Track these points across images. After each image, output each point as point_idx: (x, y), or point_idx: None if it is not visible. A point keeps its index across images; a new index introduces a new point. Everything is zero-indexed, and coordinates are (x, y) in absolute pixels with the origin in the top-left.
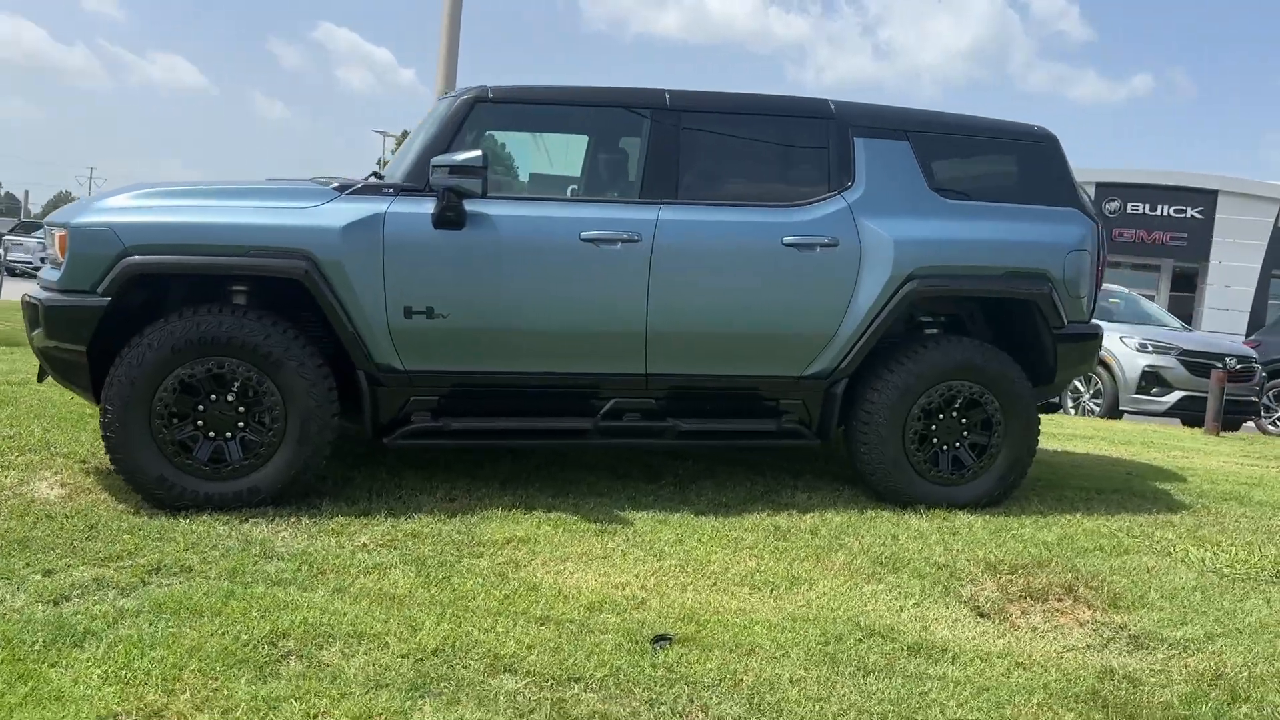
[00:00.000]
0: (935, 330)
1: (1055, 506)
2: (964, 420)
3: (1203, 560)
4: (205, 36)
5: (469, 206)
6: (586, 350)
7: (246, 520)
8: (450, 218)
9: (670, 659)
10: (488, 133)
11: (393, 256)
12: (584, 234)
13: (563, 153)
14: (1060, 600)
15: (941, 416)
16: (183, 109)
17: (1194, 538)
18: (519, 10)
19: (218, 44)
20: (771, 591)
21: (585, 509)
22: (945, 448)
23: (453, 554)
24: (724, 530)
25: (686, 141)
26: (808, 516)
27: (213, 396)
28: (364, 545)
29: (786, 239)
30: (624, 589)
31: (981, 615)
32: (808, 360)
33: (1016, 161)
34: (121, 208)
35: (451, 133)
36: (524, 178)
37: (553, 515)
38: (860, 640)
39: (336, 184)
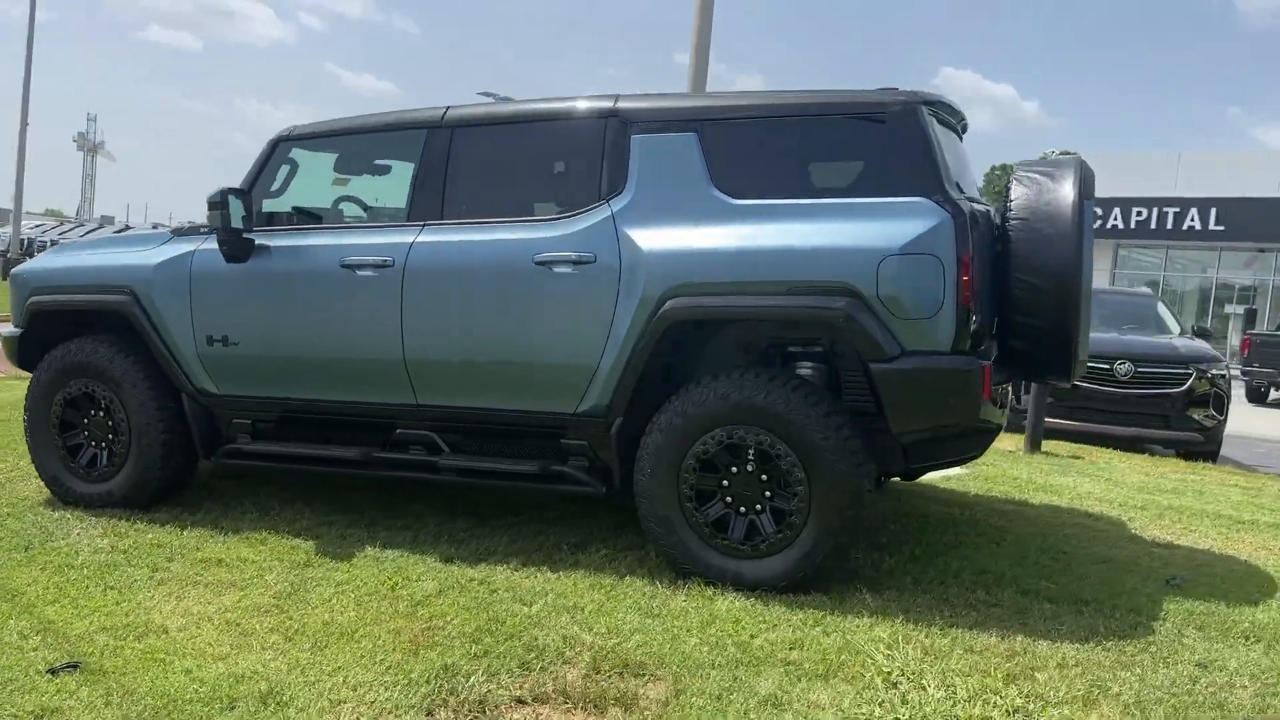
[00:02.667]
0: (811, 363)
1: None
2: (764, 477)
3: None
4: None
5: (260, 240)
6: (359, 379)
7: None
8: (227, 252)
9: None
10: (296, 168)
11: (196, 290)
12: (343, 261)
13: (372, 180)
14: None
15: (735, 470)
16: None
17: None
18: (1161, 10)
19: None
20: None
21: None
22: (742, 510)
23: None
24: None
25: (455, 159)
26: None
27: (92, 411)
28: (98, 545)
29: (538, 257)
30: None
31: None
32: (577, 395)
33: (854, 143)
34: (38, 259)
35: (256, 172)
36: (340, 207)
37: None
38: None
39: (176, 227)
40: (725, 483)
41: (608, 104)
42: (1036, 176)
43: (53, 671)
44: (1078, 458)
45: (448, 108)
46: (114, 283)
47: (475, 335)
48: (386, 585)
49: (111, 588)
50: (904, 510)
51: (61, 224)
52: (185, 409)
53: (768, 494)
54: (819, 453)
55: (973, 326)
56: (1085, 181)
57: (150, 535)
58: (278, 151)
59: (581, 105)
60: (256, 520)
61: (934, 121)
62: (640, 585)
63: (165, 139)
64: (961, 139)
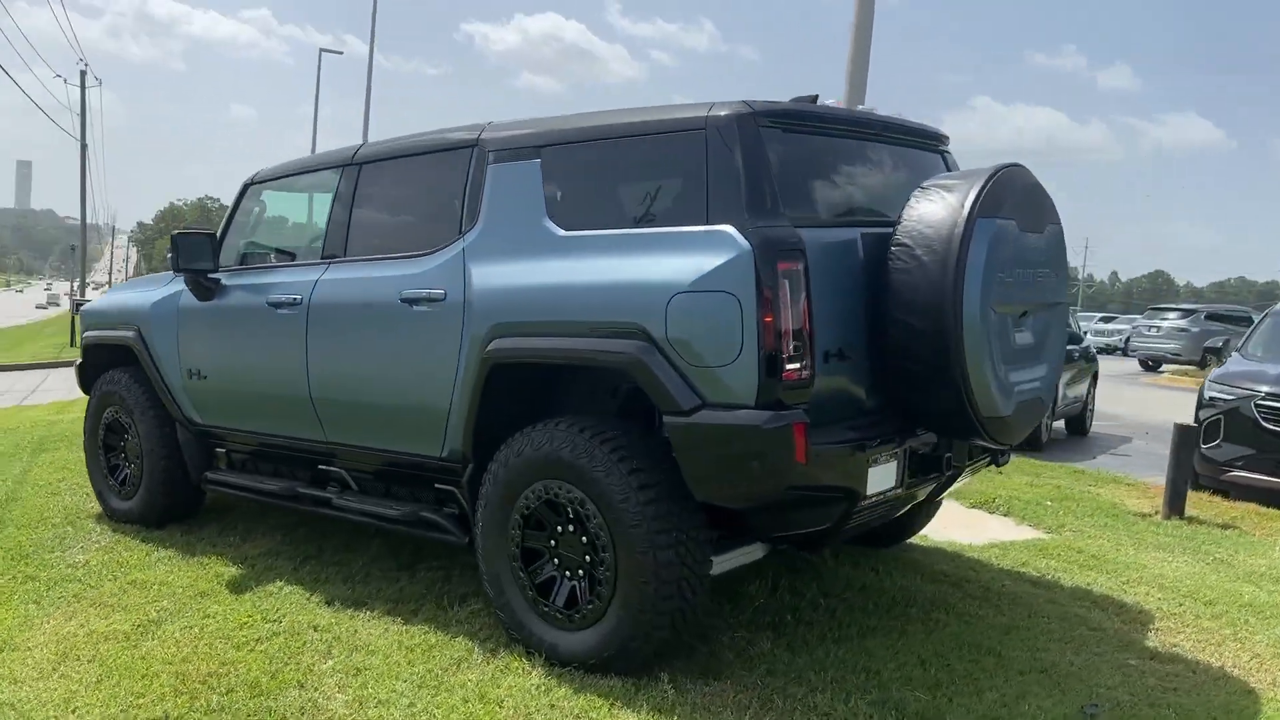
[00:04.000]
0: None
1: None
2: (584, 539)
3: None
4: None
5: (223, 279)
6: (283, 414)
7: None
8: (194, 291)
9: None
10: (264, 208)
11: (181, 326)
12: (269, 299)
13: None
14: None
15: (560, 529)
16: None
17: None
18: None
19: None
20: None
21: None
22: (568, 574)
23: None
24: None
25: (361, 195)
26: None
27: (124, 435)
28: (77, 561)
29: (403, 294)
30: None
31: None
32: (438, 439)
33: (676, 165)
34: (97, 299)
35: (231, 213)
36: (290, 246)
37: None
38: None
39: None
40: (552, 542)
41: (473, 134)
42: (934, 191)
43: None
44: (1227, 527)
45: (360, 146)
46: (127, 320)
47: (358, 371)
48: (239, 623)
49: (28, 601)
50: (866, 581)
51: None
52: (179, 437)
53: (587, 558)
54: (620, 515)
55: (795, 376)
56: (992, 196)
57: (128, 553)
58: (249, 193)
59: (453, 136)
60: (222, 545)
61: (779, 136)
62: (461, 649)
63: None
64: (928, 149)
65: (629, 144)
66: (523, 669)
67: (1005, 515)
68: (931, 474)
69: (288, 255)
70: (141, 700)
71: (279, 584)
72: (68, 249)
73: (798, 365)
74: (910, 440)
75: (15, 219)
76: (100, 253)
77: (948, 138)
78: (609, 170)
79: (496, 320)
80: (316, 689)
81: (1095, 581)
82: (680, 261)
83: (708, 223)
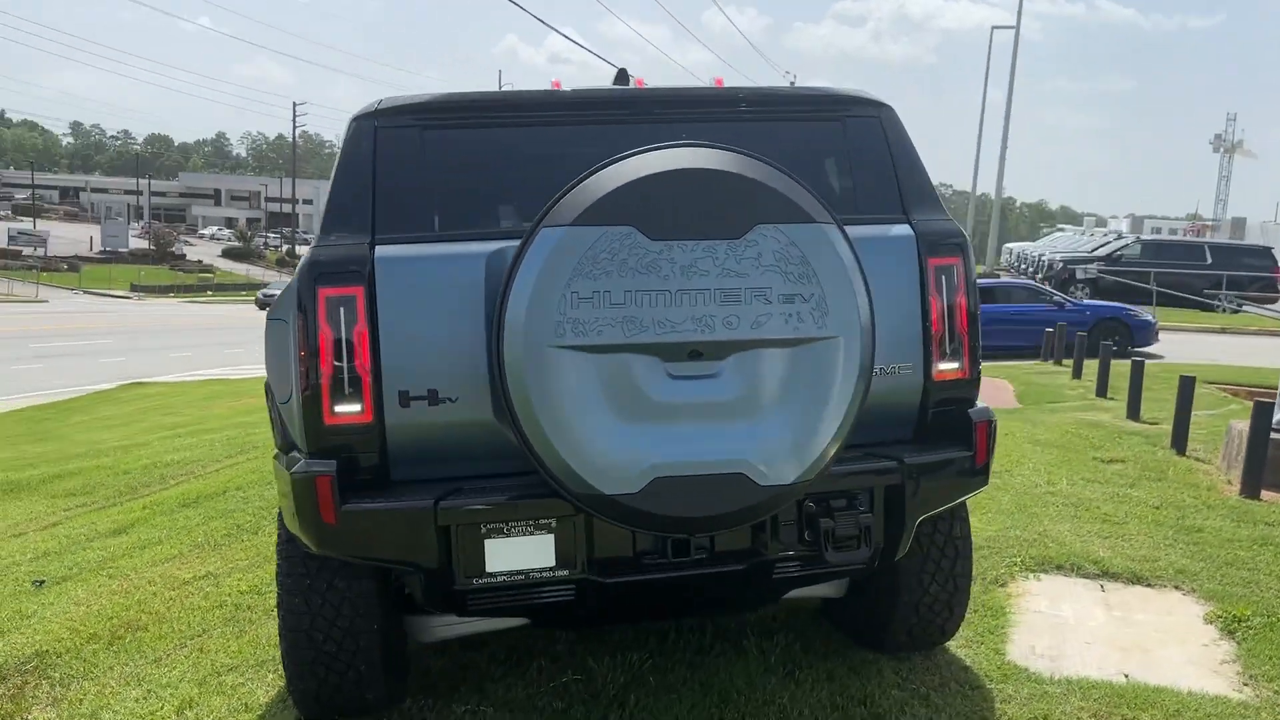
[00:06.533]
0: None
1: None
2: None
3: None
4: None
5: None
6: None
7: None
8: None
9: None
10: None
11: None
12: None
13: None
14: None
15: None
16: None
17: None
18: None
19: None
20: None
21: None
22: None
23: None
24: None
25: None
26: None
27: None
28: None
29: None
30: None
31: None
32: None
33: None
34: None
35: None
36: None
37: None
38: None
39: None
40: None
41: None
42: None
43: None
44: None
45: None
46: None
47: None
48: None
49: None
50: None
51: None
52: None
53: None
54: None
55: (344, 420)
56: (579, 197)
57: None
58: None
59: None
60: None
61: (412, 137)
62: None
63: None
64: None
65: None
66: None
67: (1183, 591)
68: (681, 557)
69: None
70: None
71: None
72: None
73: (349, 408)
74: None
75: None
76: None
77: (840, 98)
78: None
79: None
80: None
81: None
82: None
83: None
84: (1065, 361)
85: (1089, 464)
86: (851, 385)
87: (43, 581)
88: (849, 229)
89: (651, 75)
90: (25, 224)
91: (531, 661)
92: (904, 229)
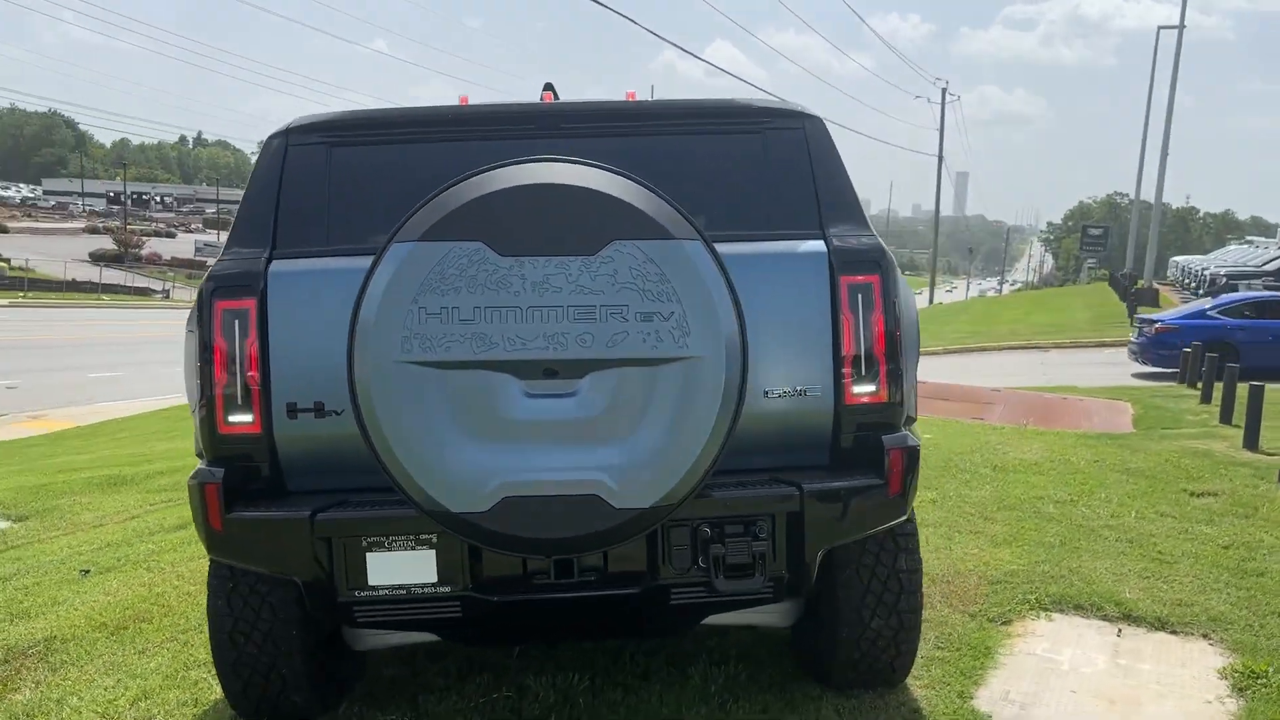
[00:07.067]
0: None
1: None
2: None
3: None
4: None
5: None
6: None
7: None
8: None
9: None
10: None
11: None
12: None
13: None
14: None
15: None
16: None
17: None
18: None
19: None
20: None
21: None
22: None
23: None
24: None
25: None
26: None
27: None
28: None
29: None
30: None
31: None
32: None
33: None
34: None
35: None
36: None
37: None
38: None
39: None
40: None
41: None
42: None
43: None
44: None
45: None
46: None
47: None
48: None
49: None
50: None
51: None
52: None
53: None
54: None
55: (235, 430)
56: (430, 212)
57: None
58: None
59: None
60: None
61: (322, 154)
62: None
63: None
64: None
65: None
66: None
67: (1210, 640)
68: (566, 578)
69: None
70: None
71: None
72: (990, 250)
73: (241, 418)
74: None
75: (951, 225)
76: (1022, 252)
77: (761, 110)
78: None
79: None
80: None
81: None
82: None
83: None
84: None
85: (1173, 496)
86: (716, 407)
87: (88, 571)
88: (758, 245)
89: (797, 89)
90: (211, 236)
91: (477, 676)
92: (816, 245)
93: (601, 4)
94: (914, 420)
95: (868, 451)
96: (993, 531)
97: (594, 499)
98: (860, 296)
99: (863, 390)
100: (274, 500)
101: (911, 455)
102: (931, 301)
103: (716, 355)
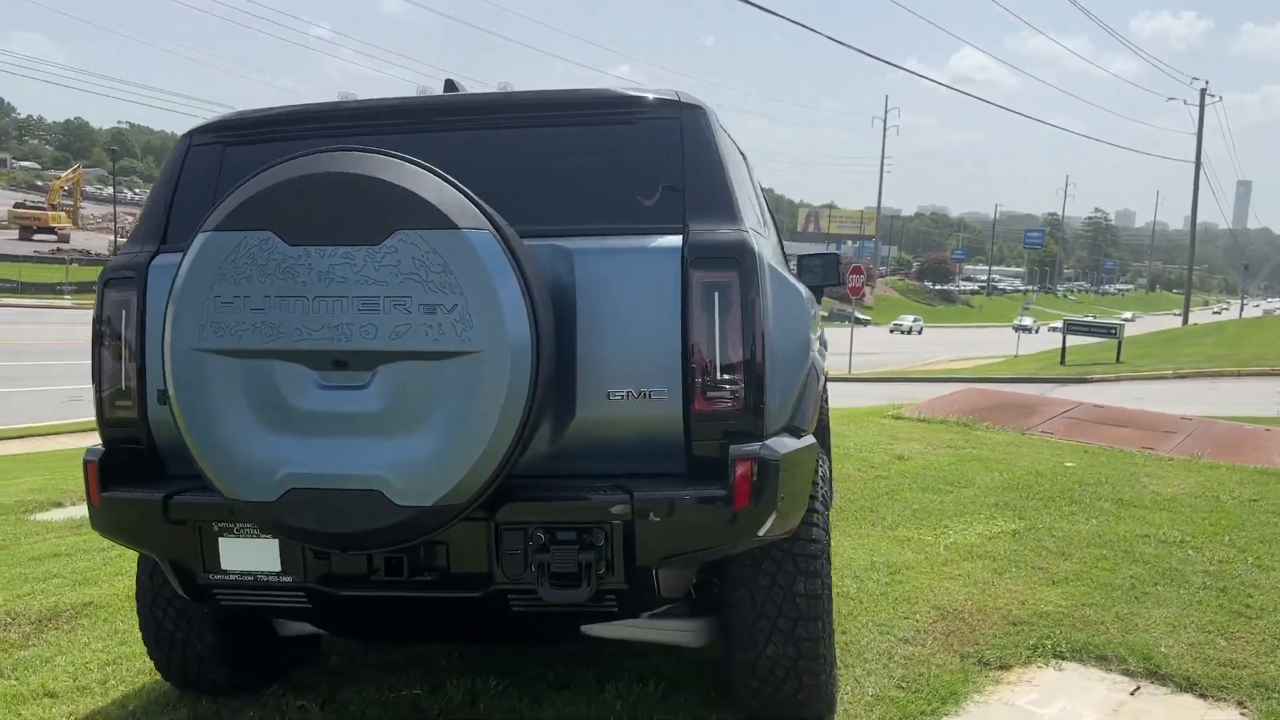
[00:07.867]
0: None
1: None
2: None
3: None
4: None
5: None
6: None
7: None
8: None
9: None
10: None
11: None
12: None
13: None
14: None
15: None
16: None
17: None
18: None
19: None
20: None
21: None
22: None
23: None
24: None
25: None
26: None
27: None
28: None
29: None
30: None
31: None
32: None
33: None
34: None
35: None
36: None
37: None
38: None
39: None
40: None
41: None
42: None
43: None
44: None
45: None
46: None
47: None
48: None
49: None
50: None
51: None
52: None
53: None
54: None
55: (118, 415)
56: (231, 202)
57: None
58: None
59: None
60: None
61: (218, 153)
62: None
63: None
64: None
65: None
66: None
67: (1243, 709)
68: (394, 576)
69: None
70: None
71: None
72: (1275, 267)
73: (123, 403)
74: None
75: (1228, 239)
76: None
77: (633, 100)
78: None
79: None
80: None
81: None
82: None
83: None
84: None
85: None
86: (499, 404)
87: None
88: (612, 240)
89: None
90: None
91: (405, 671)
92: (671, 240)
93: (834, 40)
94: (802, 431)
95: (717, 461)
96: (1057, 569)
97: (375, 494)
98: (716, 295)
99: (716, 395)
100: (143, 482)
101: (764, 468)
102: (1186, 322)
103: (501, 350)
